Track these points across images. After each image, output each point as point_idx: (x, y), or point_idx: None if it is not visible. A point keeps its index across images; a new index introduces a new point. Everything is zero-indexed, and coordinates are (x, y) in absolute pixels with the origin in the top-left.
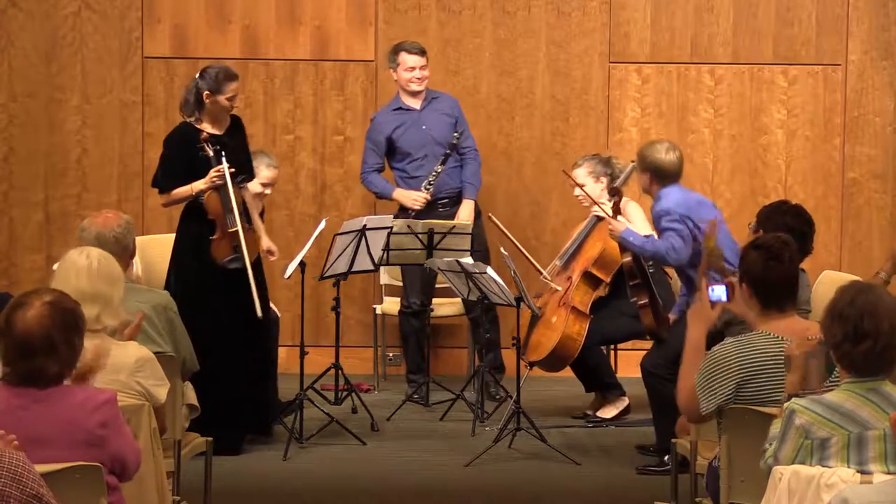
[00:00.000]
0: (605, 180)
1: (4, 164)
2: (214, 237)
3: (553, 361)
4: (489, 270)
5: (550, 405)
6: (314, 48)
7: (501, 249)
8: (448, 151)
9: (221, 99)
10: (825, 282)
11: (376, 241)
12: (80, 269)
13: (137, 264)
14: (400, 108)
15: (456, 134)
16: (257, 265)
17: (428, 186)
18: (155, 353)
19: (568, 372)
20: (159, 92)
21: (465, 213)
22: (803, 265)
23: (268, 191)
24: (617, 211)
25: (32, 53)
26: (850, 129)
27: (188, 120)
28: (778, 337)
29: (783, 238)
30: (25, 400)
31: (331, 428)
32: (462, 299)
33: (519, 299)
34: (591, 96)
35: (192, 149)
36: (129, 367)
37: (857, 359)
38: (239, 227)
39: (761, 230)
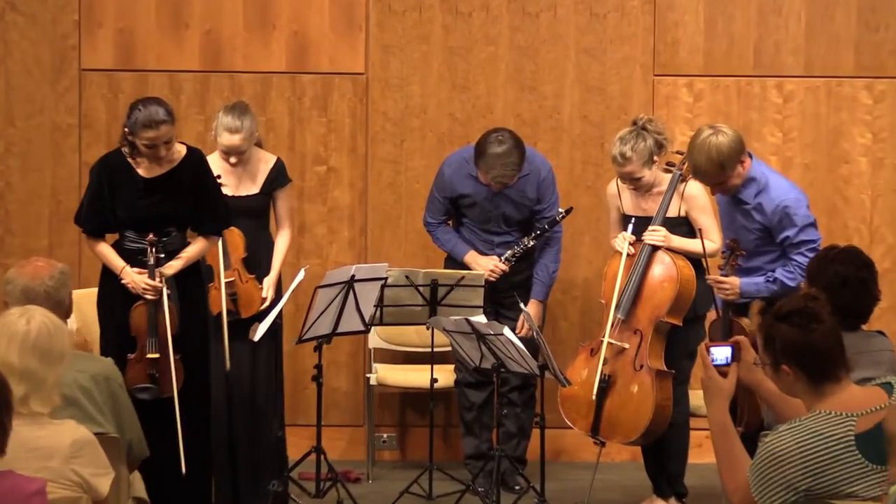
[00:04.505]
0: (656, 158)
1: None
2: (132, 356)
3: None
4: (506, 332)
5: (581, 498)
6: (290, 58)
7: (521, 305)
8: (546, 227)
9: (138, 143)
10: None
11: (367, 296)
12: (12, 335)
13: (73, 323)
14: (475, 178)
15: (562, 211)
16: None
17: (511, 259)
18: (95, 433)
19: (607, 457)
20: (100, 112)
21: (532, 315)
22: (881, 325)
23: (232, 160)
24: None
25: None
26: None
27: (122, 148)
28: (841, 414)
29: (810, 295)
30: None
31: None
32: (473, 367)
33: (544, 367)
34: (632, 117)
35: (115, 180)
36: (63, 452)
37: None
38: (167, 355)
39: (813, 288)
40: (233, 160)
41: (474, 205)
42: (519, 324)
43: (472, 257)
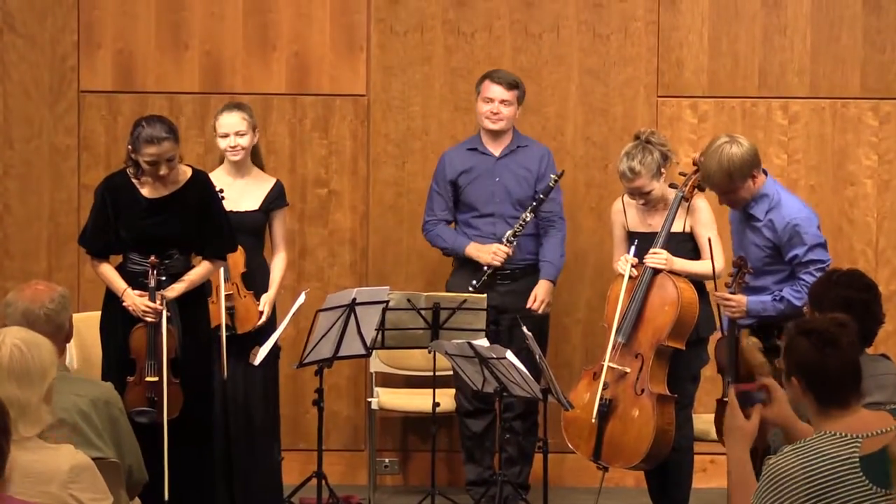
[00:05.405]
0: (663, 170)
1: None
2: (131, 380)
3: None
4: (509, 355)
5: None
6: (291, 80)
7: (524, 329)
8: (542, 196)
9: (141, 160)
10: None
11: (369, 319)
12: None
13: (72, 349)
14: (475, 150)
15: (554, 176)
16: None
17: (511, 239)
18: (94, 458)
19: (611, 482)
20: (99, 134)
21: (542, 294)
22: (887, 348)
23: (231, 142)
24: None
25: None
26: None
27: (127, 169)
28: (846, 435)
29: (839, 319)
30: None
31: None
32: (472, 393)
33: (546, 391)
34: None
35: (119, 200)
36: (61, 477)
37: None
38: (162, 379)
39: (816, 312)
40: (233, 143)
41: (475, 181)
42: (531, 298)
43: (473, 248)
